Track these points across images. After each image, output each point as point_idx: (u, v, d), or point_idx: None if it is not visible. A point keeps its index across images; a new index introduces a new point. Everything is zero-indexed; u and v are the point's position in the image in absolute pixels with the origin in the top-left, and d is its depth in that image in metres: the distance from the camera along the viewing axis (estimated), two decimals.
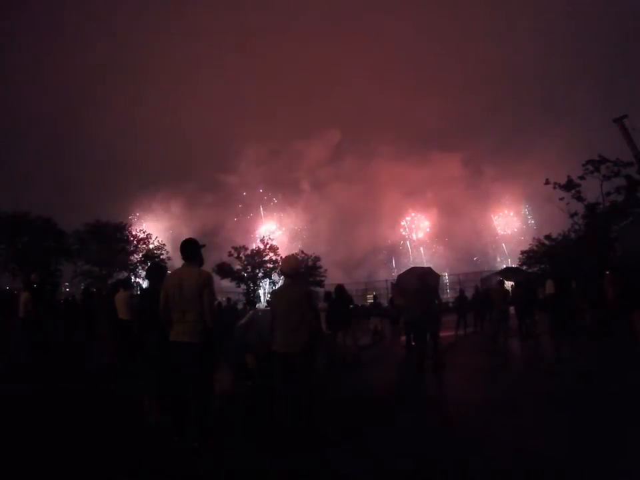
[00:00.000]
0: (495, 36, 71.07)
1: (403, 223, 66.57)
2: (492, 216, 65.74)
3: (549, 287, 8.10)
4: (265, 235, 44.63)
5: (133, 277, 37.73)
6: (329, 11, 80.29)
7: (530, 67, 73.97)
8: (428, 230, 65.98)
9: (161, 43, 75.24)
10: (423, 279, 9.78)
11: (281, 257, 36.34)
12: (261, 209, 65.84)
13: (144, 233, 43.00)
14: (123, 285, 9.91)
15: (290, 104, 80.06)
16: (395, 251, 65.09)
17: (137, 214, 62.01)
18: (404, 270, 14.04)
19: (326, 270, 40.95)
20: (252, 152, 66.93)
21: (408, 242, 65.82)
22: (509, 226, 65.08)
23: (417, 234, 66.11)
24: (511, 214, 65.49)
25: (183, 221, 61.77)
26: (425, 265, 13.14)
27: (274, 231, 60.49)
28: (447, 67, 76.93)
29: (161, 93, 78.12)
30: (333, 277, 41.94)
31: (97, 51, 72.32)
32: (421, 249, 64.61)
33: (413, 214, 66.48)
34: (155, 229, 53.66)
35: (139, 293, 9.48)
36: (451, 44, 76.52)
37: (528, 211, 63.39)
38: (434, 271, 10.96)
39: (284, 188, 67.85)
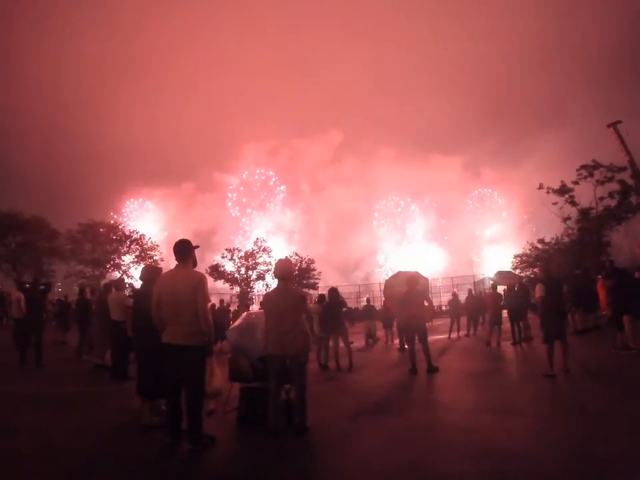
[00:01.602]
0: (495, 41, 71.60)
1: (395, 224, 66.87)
2: (487, 219, 66.03)
3: (539, 291, 8.15)
4: (258, 237, 44.53)
5: (125, 278, 37.61)
6: (332, 12, 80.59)
7: (528, 72, 74.40)
8: (425, 233, 66.28)
9: (161, 42, 75.29)
10: (409, 283, 9.82)
11: (275, 259, 36.34)
12: (259, 209, 65.62)
13: (137, 233, 42.85)
14: (115, 285, 9.87)
15: (291, 105, 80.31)
16: (391, 253, 65.21)
17: (133, 214, 61.90)
18: (394, 274, 14.05)
19: (320, 272, 40.95)
20: (251, 153, 67.10)
21: (404, 245, 66.00)
22: (504, 229, 65.30)
23: (413, 237, 66.35)
24: (504, 215, 65.77)
25: (179, 222, 61.71)
26: (413, 270, 13.24)
27: (271, 232, 60.56)
28: (448, 70, 77.40)
29: (159, 92, 78.17)
30: (330, 279, 41.94)
31: (95, 50, 72.24)
32: (417, 251, 64.73)
33: (409, 216, 66.74)
34: (150, 229, 53.59)
35: (130, 294, 9.44)
36: (454, 46, 76.92)
37: (524, 215, 63.67)
38: (421, 275, 10.99)
39: (288, 188, 67.93)
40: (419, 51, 77.69)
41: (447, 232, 65.50)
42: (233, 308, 26.66)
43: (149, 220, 61.53)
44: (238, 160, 67.37)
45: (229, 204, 65.70)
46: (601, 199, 27.62)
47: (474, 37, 74.23)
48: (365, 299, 25.24)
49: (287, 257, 31.78)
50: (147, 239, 42.38)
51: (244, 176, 66.89)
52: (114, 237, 40.34)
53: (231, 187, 66.42)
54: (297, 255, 40.31)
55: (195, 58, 79.67)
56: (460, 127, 73.37)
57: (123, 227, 43.52)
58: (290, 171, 68.48)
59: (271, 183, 67.24)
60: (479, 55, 73.94)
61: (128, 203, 63.19)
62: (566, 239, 29.39)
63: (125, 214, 60.70)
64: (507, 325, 13.66)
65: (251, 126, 77.31)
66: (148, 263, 35.34)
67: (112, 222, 43.62)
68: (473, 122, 73.78)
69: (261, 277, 40.21)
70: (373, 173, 66.00)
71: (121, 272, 39.15)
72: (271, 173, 67.34)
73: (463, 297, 19.48)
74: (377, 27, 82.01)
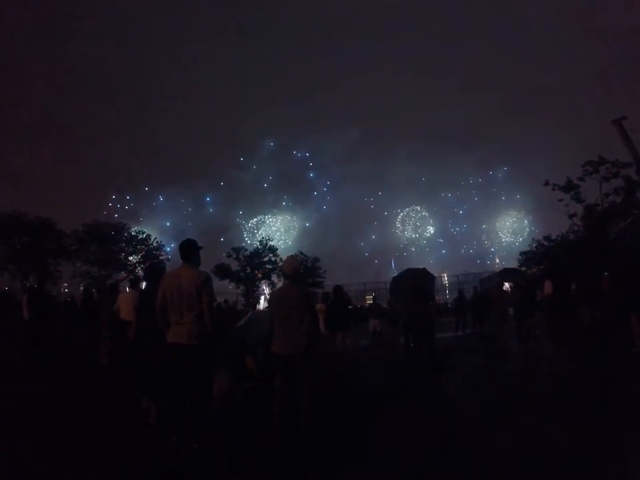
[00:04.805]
0: (500, 38, 71.66)
1: (408, 222, 67.01)
2: (495, 216, 66.05)
3: (547, 288, 8.11)
4: (264, 236, 44.69)
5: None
6: (349, 8, 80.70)
7: (532, 66, 74.40)
8: (433, 230, 66.42)
9: (172, 39, 75.55)
10: (417, 280, 9.79)
11: (280, 259, 36.37)
12: (271, 206, 65.68)
13: (143, 234, 42.97)
14: (131, 283, 9.86)
15: (305, 101, 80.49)
16: (401, 251, 65.30)
17: (141, 212, 62.09)
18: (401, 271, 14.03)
19: (325, 271, 40.85)
20: (264, 149, 67.42)
21: (414, 241, 66.14)
22: (512, 227, 65.30)
23: (422, 234, 66.48)
24: (514, 214, 65.71)
25: (189, 220, 62.01)
26: (420, 267, 13.13)
27: (284, 229, 60.80)
28: (461, 68, 77.44)
29: (171, 89, 78.34)
30: (340, 276, 41.81)
31: (104, 46, 72.65)
32: (426, 248, 64.84)
33: (420, 214, 66.86)
34: (160, 228, 53.84)
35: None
36: (466, 45, 77.05)
37: (529, 212, 63.54)
38: (428, 272, 10.98)
39: (295, 186, 68.12)
40: (430, 49, 77.87)
41: (455, 229, 65.69)
42: (238, 307, 26.73)
43: (158, 218, 61.68)
44: (250, 157, 67.75)
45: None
46: (607, 195, 27.41)
47: (488, 37, 74.36)
48: (371, 296, 25.19)
49: (293, 254, 31.85)
50: (152, 239, 42.50)
51: (255, 168, 67.18)
52: (120, 238, 40.43)
53: (242, 185, 66.74)
54: (302, 253, 40.22)
55: (209, 54, 79.96)
56: (473, 124, 73.18)
57: (129, 227, 43.62)
58: (305, 166, 68.79)
59: (284, 179, 67.55)
60: (489, 53, 74.02)
61: (136, 201, 63.50)
62: (572, 236, 29.20)
63: (131, 213, 60.92)
64: (513, 323, 13.61)
65: (266, 122, 77.47)
66: (152, 262, 35.31)
67: (119, 222, 43.61)
68: (485, 119, 73.72)
69: (266, 276, 40.27)
70: (388, 169, 66.20)
71: (127, 272, 39.23)
72: (283, 169, 67.59)
73: (468, 294, 19.45)
74: (391, 24, 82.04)
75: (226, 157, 72.88)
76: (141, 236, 42.37)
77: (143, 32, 71.70)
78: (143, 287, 7.11)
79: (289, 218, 64.55)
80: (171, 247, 44.00)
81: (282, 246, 53.61)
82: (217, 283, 34.92)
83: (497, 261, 61.78)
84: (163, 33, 74.29)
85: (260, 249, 41.13)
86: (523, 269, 32.73)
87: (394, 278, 12.23)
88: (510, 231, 65.04)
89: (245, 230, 62.75)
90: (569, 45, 69.24)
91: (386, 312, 17.94)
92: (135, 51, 72.20)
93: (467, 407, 6.24)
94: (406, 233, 66.81)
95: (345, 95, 79.98)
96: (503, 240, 64.99)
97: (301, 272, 5.82)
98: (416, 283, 9.73)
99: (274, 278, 39.56)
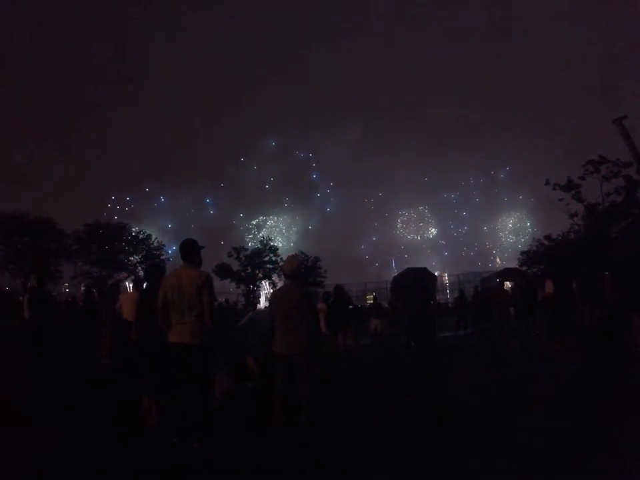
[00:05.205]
0: (501, 38, 71.72)
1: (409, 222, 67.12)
2: (497, 216, 66.14)
3: (548, 287, 8.08)
4: (265, 236, 44.75)
5: (132, 277, 37.64)
6: (351, 7, 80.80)
7: (533, 66, 74.43)
8: (435, 231, 66.49)
9: (173, 39, 75.60)
10: (418, 279, 9.78)
11: (281, 258, 36.39)
12: (273, 206, 65.63)
13: (144, 234, 42.98)
14: (134, 284, 9.87)
15: (309, 100, 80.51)
16: (402, 252, 65.29)
17: (143, 212, 62.12)
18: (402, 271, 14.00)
19: (325, 270, 40.81)
20: (266, 148, 67.45)
21: (414, 242, 66.19)
22: (514, 227, 65.35)
23: (424, 235, 66.56)
24: (515, 214, 65.77)
25: (191, 220, 62.06)
26: (421, 266, 13.09)
27: (285, 230, 60.84)
28: (462, 68, 77.49)
29: (172, 89, 78.36)
30: (342, 276, 41.88)
31: (104, 46, 72.75)
32: (426, 250, 64.83)
33: (421, 214, 66.96)
34: (160, 229, 53.89)
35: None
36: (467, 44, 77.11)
37: (531, 212, 63.51)
38: (429, 272, 10.99)
39: (297, 186, 68.10)
40: (431, 49, 77.96)
41: (457, 230, 65.77)
42: (239, 307, 26.70)
43: (159, 219, 61.67)
44: (252, 157, 67.81)
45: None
46: (607, 194, 27.38)
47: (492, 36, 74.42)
48: (372, 296, 25.14)
49: (294, 254, 31.83)
50: (153, 239, 42.51)
51: (257, 168, 67.30)
52: (120, 237, 40.43)
53: (243, 185, 66.73)
54: (303, 253, 40.18)
55: (209, 51, 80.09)
56: (475, 124, 73.18)
57: (130, 227, 43.61)
58: (306, 166, 68.83)
59: (285, 179, 67.62)
60: (490, 52, 74.11)
61: (136, 202, 63.55)
62: (572, 236, 29.19)
63: (132, 213, 60.93)
64: (513, 322, 13.60)
65: (266, 122, 77.32)
66: (152, 262, 35.27)
67: (119, 222, 43.63)
68: (486, 119, 73.67)
69: (267, 276, 40.29)
70: (389, 170, 66.20)
71: (127, 272, 39.27)
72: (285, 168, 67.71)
73: (469, 294, 19.44)
74: (392, 24, 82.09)
75: (227, 157, 72.76)
76: (141, 236, 42.38)
77: (143, 31, 71.57)
78: (144, 286, 7.10)
79: (290, 218, 64.55)
80: (172, 249, 43.96)
81: (283, 246, 53.69)
82: (218, 283, 34.90)
83: (498, 261, 61.82)
84: (164, 32, 74.06)
85: (261, 249, 41.16)
86: (524, 268, 32.71)
87: (395, 277, 12.21)
88: (512, 230, 65.07)
89: (247, 230, 62.84)
90: (570, 45, 69.27)
91: (387, 312, 17.97)
92: (136, 51, 72.11)
93: (467, 407, 6.24)
94: (406, 233, 66.85)
95: (346, 95, 80.00)
96: (504, 240, 65.02)
97: (301, 271, 5.82)
98: (417, 282, 9.70)
99: (274, 277, 39.59)
